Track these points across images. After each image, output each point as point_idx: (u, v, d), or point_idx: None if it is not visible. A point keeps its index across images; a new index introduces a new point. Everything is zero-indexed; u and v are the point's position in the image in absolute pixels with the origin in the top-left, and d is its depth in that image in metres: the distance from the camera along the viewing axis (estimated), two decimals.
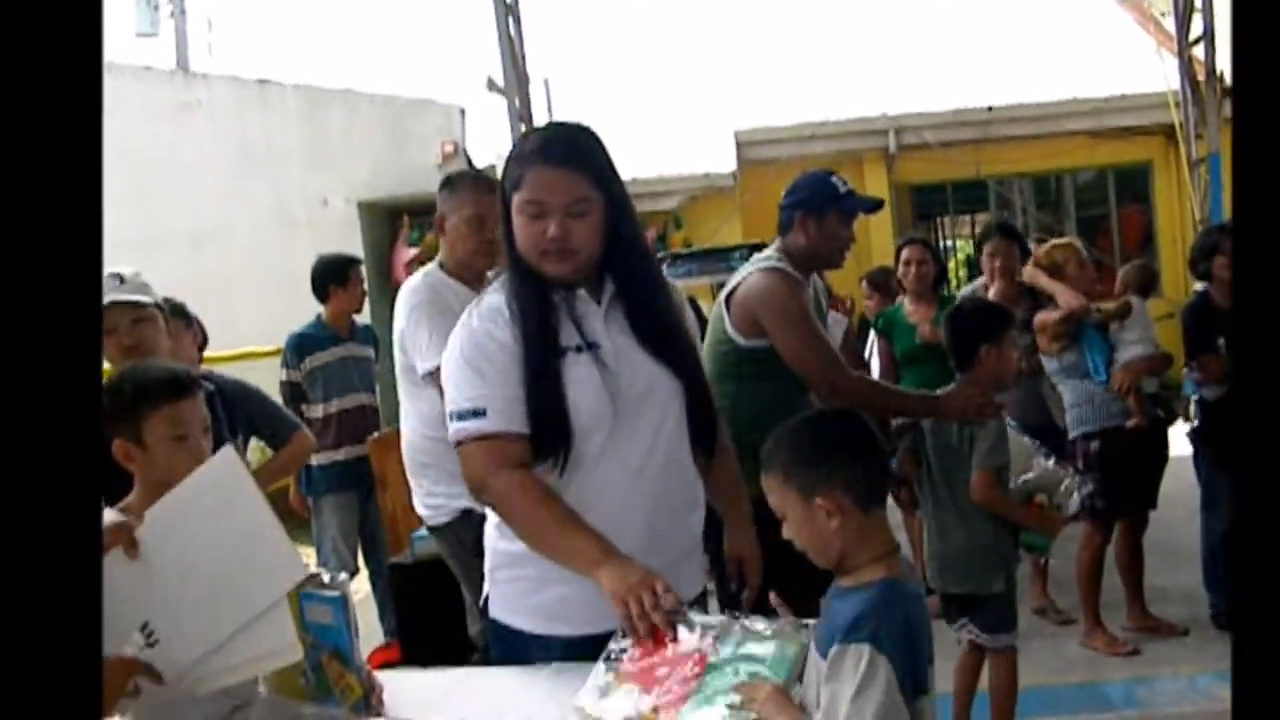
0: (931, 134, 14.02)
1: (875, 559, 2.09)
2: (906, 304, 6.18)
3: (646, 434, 2.52)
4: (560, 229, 2.41)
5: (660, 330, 2.57)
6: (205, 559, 2.19)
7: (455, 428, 2.47)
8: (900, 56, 14.93)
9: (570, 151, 2.45)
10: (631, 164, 13.81)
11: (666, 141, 13.90)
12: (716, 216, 13.49)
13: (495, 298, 2.54)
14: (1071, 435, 5.31)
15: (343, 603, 2.34)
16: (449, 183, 4.00)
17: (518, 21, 10.12)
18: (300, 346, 5.98)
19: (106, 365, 3.55)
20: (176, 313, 4.28)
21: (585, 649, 2.34)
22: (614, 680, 2.17)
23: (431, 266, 3.98)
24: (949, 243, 17.49)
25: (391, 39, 21.85)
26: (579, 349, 2.48)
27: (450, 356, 2.53)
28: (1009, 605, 3.96)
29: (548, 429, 2.44)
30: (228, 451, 2.33)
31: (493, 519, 2.62)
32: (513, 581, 2.59)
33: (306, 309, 6.24)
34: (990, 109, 13.84)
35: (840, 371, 3.80)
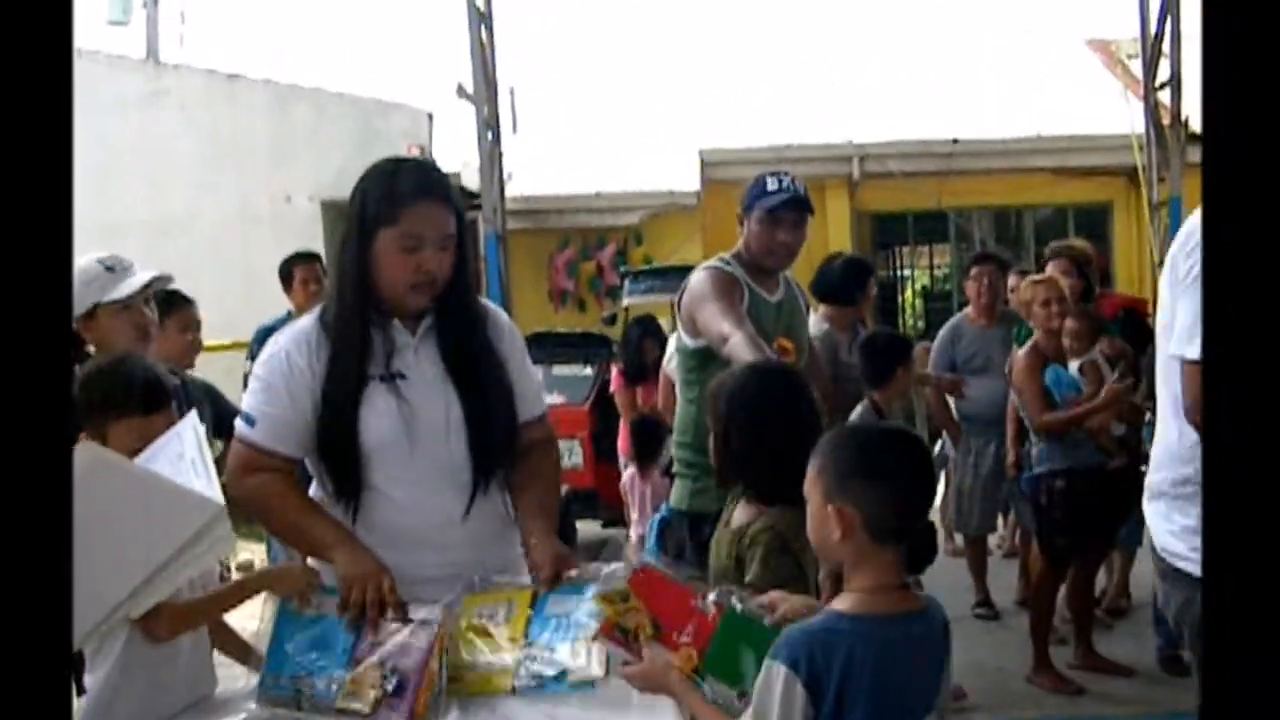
0: (895, 163, 14.08)
1: (863, 589, 2.01)
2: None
3: (442, 464, 2.59)
4: (436, 262, 2.53)
5: (470, 363, 2.64)
6: (99, 544, 2.08)
7: (236, 425, 2.67)
8: (867, 85, 14.96)
9: (444, 188, 2.59)
10: (595, 178, 13.78)
11: (631, 157, 13.86)
12: (678, 235, 13.48)
13: (308, 321, 2.68)
14: (1036, 471, 5.28)
15: None
16: None
17: (490, 30, 10.04)
18: (267, 339, 5.92)
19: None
20: (182, 300, 4.52)
21: None
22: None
23: None
24: (907, 272, 17.62)
25: (363, 39, 21.75)
26: (382, 378, 2.58)
27: (257, 360, 2.73)
28: None
29: (338, 456, 2.60)
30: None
31: None
32: None
33: (264, 305, 6.21)
34: (955, 141, 13.89)
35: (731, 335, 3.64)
